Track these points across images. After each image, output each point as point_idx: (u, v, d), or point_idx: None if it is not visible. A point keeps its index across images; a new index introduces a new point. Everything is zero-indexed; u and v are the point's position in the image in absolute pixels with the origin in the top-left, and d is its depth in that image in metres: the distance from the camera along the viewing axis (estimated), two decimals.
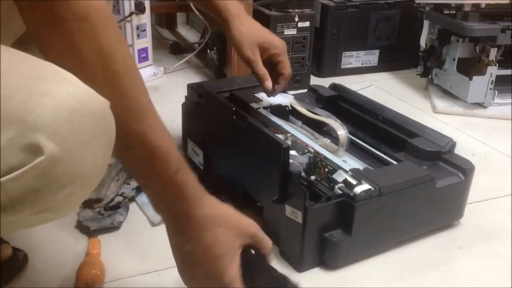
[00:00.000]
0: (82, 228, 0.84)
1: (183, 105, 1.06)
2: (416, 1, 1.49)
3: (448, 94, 1.46)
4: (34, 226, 0.57)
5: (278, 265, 0.78)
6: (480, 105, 1.40)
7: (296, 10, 1.47)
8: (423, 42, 1.51)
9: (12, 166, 0.43)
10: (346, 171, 0.79)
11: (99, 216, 0.85)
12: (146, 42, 1.59)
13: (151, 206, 0.89)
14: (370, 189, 0.75)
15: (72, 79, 0.47)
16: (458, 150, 0.90)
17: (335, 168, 0.80)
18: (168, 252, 0.81)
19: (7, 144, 0.43)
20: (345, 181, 0.77)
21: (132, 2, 1.51)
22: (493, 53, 1.33)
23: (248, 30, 0.92)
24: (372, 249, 0.81)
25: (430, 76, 1.53)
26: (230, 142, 0.90)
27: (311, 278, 0.77)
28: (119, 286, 0.74)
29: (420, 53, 1.54)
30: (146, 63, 1.61)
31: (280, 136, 0.86)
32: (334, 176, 0.79)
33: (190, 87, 1.04)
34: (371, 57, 1.70)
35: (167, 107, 1.41)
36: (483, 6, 1.34)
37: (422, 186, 0.80)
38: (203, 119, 0.98)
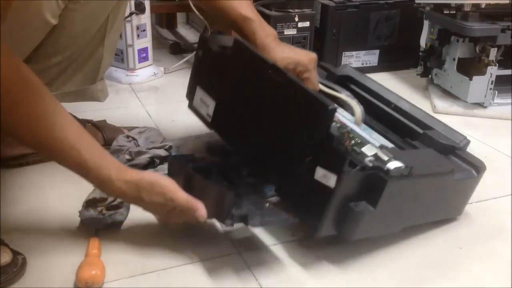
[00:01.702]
0: (82, 227, 0.84)
1: (198, 53, 1.00)
2: (416, 1, 1.49)
3: (448, 94, 1.46)
4: None
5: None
6: (480, 105, 1.40)
7: (296, 10, 1.47)
8: (423, 42, 1.51)
9: None
10: (376, 146, 0.77)
11: (100, 216, 0.85)
12: (146, 42, 1.59)
13: None
14: (401, 167, 0.75)
15: None
16: None
17: (364, 142, 0.78)
18: (168, 252, 0.82)
19: None
20: (375, 156, 0.76)
21: (132, 2, 1.51)
22: (493, 53, 1.33)
23: (280, 57, 0.91)
24: (387, 228, 0.80)
25: (430, 76, 1.53)
26: (254, 97, 0.87)
27: (301, 275, 0.77)
28: (119, 286, 0.74)
29: (420, 53, 1.55)
30: (146, 63, 1.61)
31: None
32: (364, 149, 0.77)
33: (203, 37, 0.99)
34: (371, 57, 1.70)
35: (167, 107, 1.42)
36: (483, 6, 1.34)
37: (444, 175, 0.80)
38: (226, 69, 0.93)
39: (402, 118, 0.94)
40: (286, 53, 0.94)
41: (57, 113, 0.72)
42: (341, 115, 0.88)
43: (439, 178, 0.80)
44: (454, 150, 0.88)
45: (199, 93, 0.98)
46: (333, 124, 0.83)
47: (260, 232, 0.86)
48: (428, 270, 0.80)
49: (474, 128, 1.31)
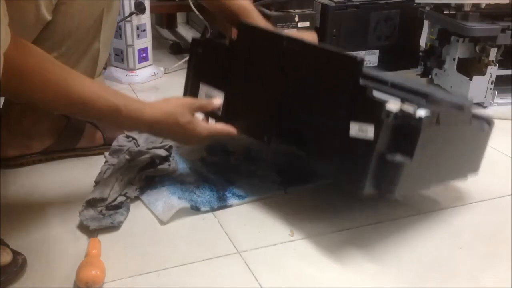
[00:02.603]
0: (82, 227, 0.84)
1: (197, 51, 1.01)
2: (416, 1, 1.49)
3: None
4: None
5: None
6: (480, 105, 1.40)
7: (296, 10, 1.47)
8: (423, 42, 1.51)
9: None
10: (398, 100, 0.77)
11: (100, 216, 0.85)
12: (146, 42, 1.59)
13: (158, 206, 0.90)
14: (428, 116, 0.74)
15: None
16: None
17: (385, 100, 0.77)
18: (168, 252, 0.82)
19: None
20: (401, 110, 0.75)
21: (132, 2, 1.51)
22: (493, 53, 1.33)
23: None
24: (423, 182, 0.81)
25: (430, 76, 1.53)
26: (272, 73, 0.87)
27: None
28: (119, 286, 0.74)
29: (420, 53, 1.55)
30: (146, 63, 1.61)
31: None
32: (388, 105, 0.75)
33: (195, 39, 1.02)
34: (371, 57, 1.70)
35: None
36: (483, 6, 1.34)
37: (464, 126, 0.82)
38: (232, 57, 0.94)
39: (403, 93, 0.94)
40: (288, 33, 0.97)
41: (73, 73, 0.80)
42: None
43: (461, 128, 0.81)
44: (462, 108, 0.89)
45: (204, 89, 0.98)
46: None
47: (260, 232, 0.86)
48: (427, 270, 0.80)
49: None
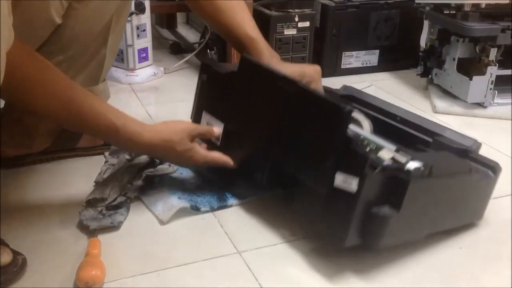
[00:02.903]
0: (82, 227, 0.84)
1: (202, 78, 1.00)
2: (416, 1, 1.49)
3: (448, 94, 1.46)
4: None
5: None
6: (480, 105, 1.40)
7: (296, 10, 1.47)
8: (423, 42, 1.51)
9: None
10: (392, 150, 0.76)
11: (100, 216, 0.85)
12: (146, 42, 1.59)
13: (158, 205, 0.90)
14: (420, 167, 0.73)
15: None
16: None
17: (379, 146, 0.77)
18: (168, 252, 0.82)
19: None
20: (393, 159, 0.75)
21: (132, 2, 1.51)
22: (493, 53, 1.33)
23: (286, 71, 0.91)
24: (412, 233, 0.79)
25: (430, 76, 1.53)
26: (267, 112, 0.87)
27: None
28: (119, 286, 0.74)
29: (420, 53, 1.54)
30: (146, 63, 1.61)
31: None
32: (381, 153, 0.75)
33: (205, 63, 1.01)
34: (371, 57, 1.70)
35: (167, 107, 1.42)
36: (483, 6, 1.34)
37: (461, 177, 0.79)
38: (231, 89, 0.93)
39: (410, 130, 0.93)
40: (291, 67, 0.96)
41: (76, 86, 0.81)
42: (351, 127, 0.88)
43: (458, 178, 0.79)
44: (467, 153, 0.87)
45: (206, 117, 0.98)
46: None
47: (260, 232, 0.86)
48: (427, 271, 0.80)
49: (474, 128, 1.31)
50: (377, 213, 0.73)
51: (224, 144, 0.94)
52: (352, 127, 0.83)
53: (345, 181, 0.72)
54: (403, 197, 0.73)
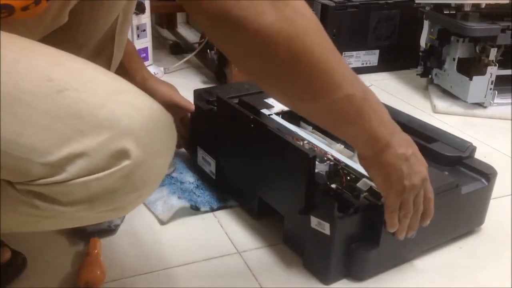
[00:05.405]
0: (82, 228, 0.84)
1: (192, 112, 1.02)
2: (416, 1, 1.49)
3: (448, 94, 1.46)
4: (92, 223, 0.68)
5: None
6: (480, 105, 1.40)
7: None
8: (423, 42, 1.51)
9: (100, 167, 0.48)
10: (370, 180, 0.75)
11: None
12: (146, 42, 1.59)
13: (158, 205, 0.89)
14: None
15: (143, 93, 0.54)
16: None
17: (358, 176, 0.78)
18: (168, 252, 0.81)
19: (99, 147, 0.48)
20: (370, 190, 0.75)
21: None
22: (493, 53, 1.33)
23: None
24: (399, 258, 0.79)
25: (430, 76, 1.53)
26: (246, 150, 0.88)
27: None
28: (119, 286, 0.74)
29: (420, 53, 1.55)
30: (146, 63, 1.60)
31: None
32: (359, 184, 0.76)
33: (198, 93, 1.01)
34: (371, 57, 1.70)
35: None
36: (483, 6, 1.34)
37: (447, 193, 0.78)
38: (215, 126, 0.95)
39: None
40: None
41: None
42: (334, 149, 0.87)
43: (444, 196, 0.77)
44: (461, 160, 0.86)
45: (200, 152, 1.00)
46: (327, 162, 0.83)
47: (260, 232, 0.86)
48: (428, 270, 0.80)
49: (474, 128, 1.31)
50: (357, 250, 0.74)
51: (218, 178, 0.95)
52: (334, 152, 0.84)
53: (319, 225, 0.73)
54: (380, 231, 0.73)
